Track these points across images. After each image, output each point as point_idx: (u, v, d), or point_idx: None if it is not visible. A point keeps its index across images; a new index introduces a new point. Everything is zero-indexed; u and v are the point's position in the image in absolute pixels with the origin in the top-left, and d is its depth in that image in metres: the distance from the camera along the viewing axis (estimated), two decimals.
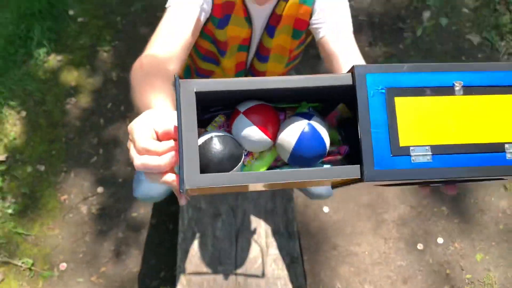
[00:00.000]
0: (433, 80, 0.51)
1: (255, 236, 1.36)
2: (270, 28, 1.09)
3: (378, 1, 2.30)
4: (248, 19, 1.06)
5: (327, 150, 0.55)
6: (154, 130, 0.53)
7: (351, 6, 1.09)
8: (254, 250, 1.34)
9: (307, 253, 1.77)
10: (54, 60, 2.08)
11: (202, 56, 1.21)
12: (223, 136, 0.54)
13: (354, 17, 2.27)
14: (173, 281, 1.50)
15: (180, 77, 1.40)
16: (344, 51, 1.00)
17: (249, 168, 0.60)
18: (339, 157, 0.58)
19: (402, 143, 0.50)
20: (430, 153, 0.50)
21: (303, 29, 1.10)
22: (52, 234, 1.76)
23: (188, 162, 0.49)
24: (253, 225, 1.37)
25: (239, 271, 1.31)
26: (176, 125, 0.52)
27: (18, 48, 2.08)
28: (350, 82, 0.51)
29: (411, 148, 0.50)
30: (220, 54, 1.16)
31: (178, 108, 0.49)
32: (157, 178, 0.52)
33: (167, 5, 0.96)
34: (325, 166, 0.58)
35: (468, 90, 0.51)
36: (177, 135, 0.49)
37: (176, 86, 0.49)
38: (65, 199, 1.82)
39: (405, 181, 0.51)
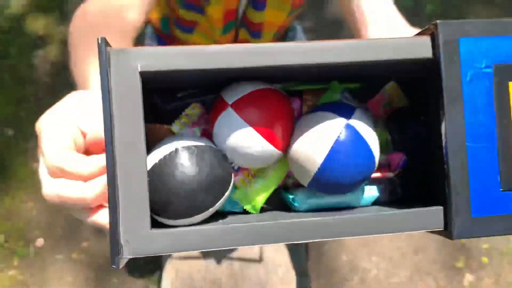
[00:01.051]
0: None
1: None
2: None
3: None
4: None
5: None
6: (80, 130, 0.32)
7: None
8: None
9: None
10: (16, 4, 1.80)
11: (181, 2, 0.96)
12: (196, 148, 0.33)
13: None
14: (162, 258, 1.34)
15: (156, 28, 1.15)
16: None
17: (243, 194, 0.39)
18: (390, 174, 0.38)
19: None
20: None
21: None
22: (26, 207, 1.58)
23: (127, 205, 0.28)
24: None
25: (234, 255, 1.14)
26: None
27: None
28: (430, 55, 0.30)
29: None
30: None
31: (105, 101, 0.28)
32: (83, 216, 0.32)
33: None
34: (367, 188, 0.37)
35: None
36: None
37: (101, 62, 0.28)
38: (38, 167, 1.62)
39: None
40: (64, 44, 1.77)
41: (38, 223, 1.56)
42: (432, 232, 0.31)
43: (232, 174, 0.35)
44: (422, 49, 0.29)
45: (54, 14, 1.81)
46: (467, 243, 1.60)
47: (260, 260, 1.14)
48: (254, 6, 0.93)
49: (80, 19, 0.58)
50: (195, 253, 1.15)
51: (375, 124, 0.38)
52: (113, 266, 0.27)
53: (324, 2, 1.85)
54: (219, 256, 1.15)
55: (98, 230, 1.54)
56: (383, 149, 0.39)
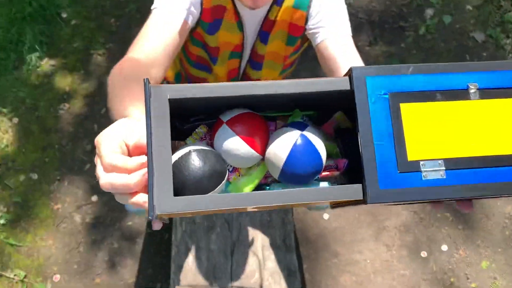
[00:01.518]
0: (444, 82, 0.45)
1: (252, 250, 1.31)
2: (263, 34, 1.03)
3: None
4: (240, 24, 1.00)
5: (324, 165, 0.49)
6: (125, 143, 0.46)
7: (350, 4, 1.03)
8: (251, 264, 1.29)
9: (307, 261, 1.71)
10: (47, 64, 2.03)
11: (193, 62, 1.15)
12: (203, 150, 0.47)
13: (354, 15, 2.22)
14: None
15: (170, 83, 1.35)
16: (343, 55, 0.94)
17: (235, 186, 0.53)
18: (337, 172, 0.52)
19: (411, 157, 0.44)
20: (444, 168, 0.44)
21: (298, 35, 1.04)
22: (45, 244, 1.71)
23: (159, 182, 0.42)
24: (249, 238, 1.32)
25: (235, 284, 1.26)
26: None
27: (10, 53, 2.03)
28: (348, 87, 0.45)
29: (421, 162, 0.44)
30: (212, 61, 1.11)
31: (147, 118, 0.43)
32: (126, 199, 0.45)
33: (153, 7, 0.90)
34: (322, 183, 0.52)
35: (485, 93, 0.45)
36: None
37: (145, 92, 0.43)
38: (58, 208, 1.77)
39: (415, 200, 0.45)
40: (86, 97, 1.98)
41: (55, 260, 1.69)
42: (355, 202, 0.46)
43: (227, 170, 0.50)
44: (344, 83, 0.45)
45: (79, 73, 2.04)
46: (455, 282, 1.70)
47: None
48: (252, 66, 1.12)
49: (117, 72, 0.76)
50: (203, 281, 1.27)
51: (327, 139, 0.54)
52: (149, 217, 0.41)
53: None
54: (224, 285, 1.27)
55: (134, 214, 1.66)
56: (333, 156, 0.54)
